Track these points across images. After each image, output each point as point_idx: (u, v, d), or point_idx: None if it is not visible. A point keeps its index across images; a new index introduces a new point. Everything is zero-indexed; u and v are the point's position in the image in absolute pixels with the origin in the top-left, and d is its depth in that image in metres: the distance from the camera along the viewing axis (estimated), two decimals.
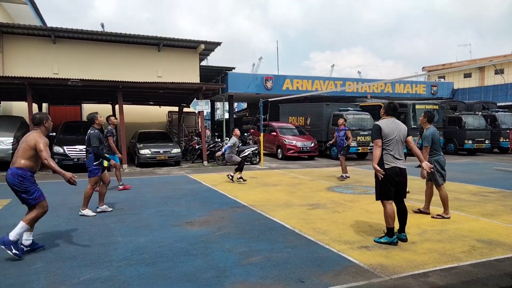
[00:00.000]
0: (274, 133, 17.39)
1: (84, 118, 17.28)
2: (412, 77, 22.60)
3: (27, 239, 4.41)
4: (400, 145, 4.73)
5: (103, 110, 11.28)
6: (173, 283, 3.58)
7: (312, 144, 16.58)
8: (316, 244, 4.74)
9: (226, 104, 26.05)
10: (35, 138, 4.33)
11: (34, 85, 12.67)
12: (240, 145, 14.77)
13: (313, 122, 18.45)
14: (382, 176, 4.57)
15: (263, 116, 15.30)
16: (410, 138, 4.93)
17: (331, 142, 12.35)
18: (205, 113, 19.59)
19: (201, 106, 14.42)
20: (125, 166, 13.03)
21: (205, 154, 14.65)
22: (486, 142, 18.81)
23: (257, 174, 11.61)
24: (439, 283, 3.60)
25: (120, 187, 8.82)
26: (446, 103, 20.82)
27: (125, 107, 14.47)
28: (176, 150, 14.06)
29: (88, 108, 17.47)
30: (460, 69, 35.86)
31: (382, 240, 4.73)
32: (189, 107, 15.78)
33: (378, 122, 4.80)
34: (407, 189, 5.03)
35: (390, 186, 4.62)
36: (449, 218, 5.98)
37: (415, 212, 6.40)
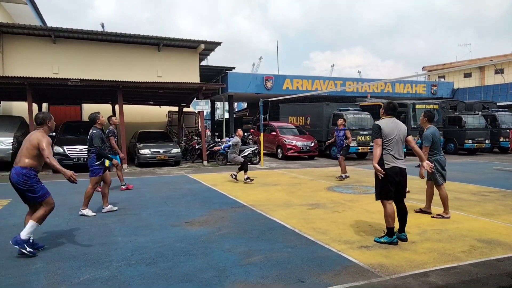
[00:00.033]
0: (274, 133, 17.38)
1: (84, 118, 17.31)
2: (412, 77, 22.62)
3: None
4: (400, 144, 4.73)
5: (103, 110, 11.27)
6: (173, 283, 3.58)
7: (312, 144, 16.58)
8: (316, 244, 4.74)
9: (226, 104, 26.05)
10: (38, 137, 4.37)
11: (34, 85, 12.67)
12: (240, 144, 14.74)
13: (313, 122, 18.45)
14: (382, 176, 4.57)
15: (263, 116, 15.29)
16: (410, 138, 4.93)
17: (330, 141, 12.36)
18: (205, 113, 19.60)
19: (201, 106, 14.42)
20: (125, 166, 13.03)
21: (205, 154, 14.65)
22: (486, 141, 18.81)
23: (257, 174, 11.61)
24: (439, 282, 3.60)
25: (123, 187, 8.81)
26: (446, 103, 20.82)
27: (125, 107, 14.48)
28: (176, 150, 14.06)
29: (88, 108, 17.48)
30: (460, 68, 35.85)
31: (382, 240, 4.73)
32: (189, 107, 15.78)
33: (378, 122, 4.81)
34: (407, 189, 5.03)
35: (390, 186, 4.62)
36: (449, 217, 5.98)
37: (417, 212, 6.40)
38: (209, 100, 15.40)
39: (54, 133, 12.52)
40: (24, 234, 4.29)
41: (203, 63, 22.15)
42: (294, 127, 18.51)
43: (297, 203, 7.26)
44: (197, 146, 15.51)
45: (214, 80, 22.66)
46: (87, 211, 6.28)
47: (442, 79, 36.10)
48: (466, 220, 5.92)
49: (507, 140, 19.19)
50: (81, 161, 12.04)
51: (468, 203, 7.21)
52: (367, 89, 24.36)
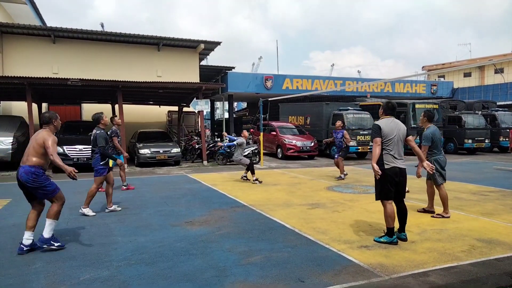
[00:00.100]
0: (274, 133, 17.38)
1: (84, 118, 17.32)
2: (412, 77, 22.67)
3: (27, 239, 4.42)
4: (400, 144, 4.73)
5: (102, 110, 11.24)
6: (173, 283, 3.57)
7: (312, 144, 16.58)
8: (316, 243, 4.74)
9: (226, 104, 26.04)
10: (44, 136, 4.45)
11: (34, 85, 12.66)
12: (245, 146, 14.73)
13: (313, 122, 18.46)
14: (382, 176, 4.57)
15: (262, 116, 15.29)
16: (410, 138, 4.93)
17: (327, 140, 12.39)
18: (204, 113, 19.57)
19: (200, 105, 14.41)
20: (125, 165, 13.03)
21: (204, 154, 14.65)
22: (486, 141, 18.81)
23: (257, 174, 11.56)
24: (439, 282, 3.60)
25: (124, 187, 8.81)
26: (446, 103, 20.82)
27: (125, 106, 14.48)
28: (176, 150, 14.06)
29: (88, 108, 17.48)
30: (460, 68, 35.87)
31: (382, 239, 4.73)
32: (189, 107, 15.78)
33: (378, 122, 4.81)
34: (407, 189, 5.03)
35: (390, 186, 4.62)
36: (449, 217, 5.98)
37: (419, 211, 6.40)
38: (208, 100, 15.40)
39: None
40: (46, 233, 4.44)
41: (203, 62, 22.15)
42: (294, 126, 18.50)
43: (297, 203, 7.26)
44: (197, 146, 15.51)
45: (214, 80, 22.66)
46: (88, 211, 6.28)
47: (442, 79, 36.13)
48: (466, 220, 5.92)
49: (507, 139, 19.19)
50: (81, 161, 12.04)
51: (468, 202, 7.21)
52: (367, 88, 24.36)
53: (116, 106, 15.18)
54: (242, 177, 10.14)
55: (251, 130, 20.37)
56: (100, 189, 6.80)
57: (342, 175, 10.38)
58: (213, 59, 49.37)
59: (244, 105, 42.51)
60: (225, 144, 10.52)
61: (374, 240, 4.80)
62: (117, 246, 4.66)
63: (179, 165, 14.08)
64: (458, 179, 10.01)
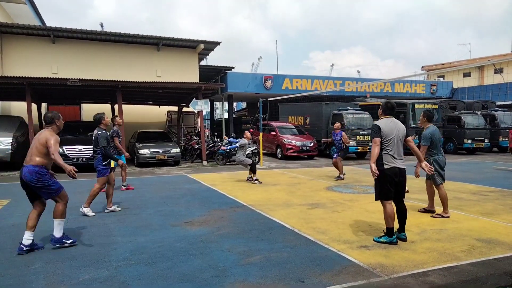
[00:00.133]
0: (274, 133, 17.38)
1: (84, 118, 17.31)
2: (411, 77, 22.69)
3: (27, 239, 4.41)
4: (400, 144, 4.73)
5: (102, 110, 11.25)
6: (173, 283, 3.57)
7: (312, 144, 16.58)
8: (316, 243, 4.74)
9: (226, 104, 26.04)
10: (47, 135, 4.49)
11: (33, 85, 12.65)
12: (247, 147, 14.72)
13: (312, 122, 18.46)
14: (381, 176, 4.58)
15: (262, 116, 15.29)
16: (409, 138, 4.94)
17: (325, 140, 12.39)
18: (204, 113, 19.59)
19: (200, 105, 14.41)
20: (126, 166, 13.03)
21: (204, 154, 14.65)
22: (486, 141, 18.83)
23: (257, 174, 11.59)
24: (439, 282, 3.60)
25: (124, 187, 8.80)
26: (445, 103, 20.83)
27: (125, 107, 14.47)
28: (176, 150, 14.05)
29: (87, 108, 17.47)
30: (460, 68, 35.89)
31: (381, 239, 4.73)
32: (189, 107, 15.77)
33: (377, 122, 4.80)
34: (406, 189, 5.03)
35: (390, 186, 4.62)
36: (448, 217, 5.98)
37: (420, 211, 6.40)
38: (208, 100, 15.40)
39: None
40: (57, 233, 4.55)
41: (203, 62, 22.15)
42: (293, 126, 18.50)
43: (297, 203, 7.26)
44: (196, 146, 15.50)
45: (214, 80, 22.66)
46: (88, 210, 6.27)
47: (442, 79, 36.15)
48: (466, 220, 5.92)
49: (506, 139, 19.20)
50: (80, 161, 12.03)
51: (467, 202, 7.22)
52: (367, 88, 24.38)
53: (116, 106, 15.18)
54: (248, 179, 10.05)
55: (251, 130, 20.37)
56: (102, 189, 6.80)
57: (342, 175, 10.38)
58: (213, 59, 49.53)
59: (243, 105, 42.52)
60: (228, 148, 10.44)
61: (374, 240, 4.80)
62: (117, 246, 4.66)
63: (179, 165, 14.08)
64: (458, 179, 10.02)
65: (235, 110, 39.43)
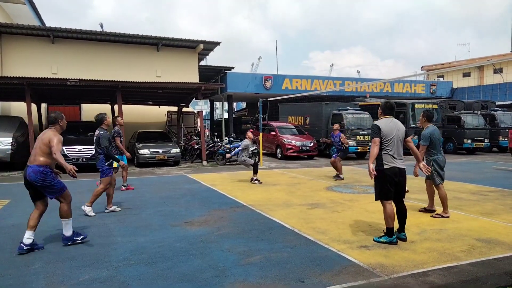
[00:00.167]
0: (274, 133, 17.38)
1: (83, 118, 17.31)
2: (411, 77, 22.68)
3: (28, 238, 4.43)
4: (400, 144, 4.73)
5: (102, 110, 11.26)
6: (173, 283, 3.57)
7: (312, 144, 16.58)
8: (316, 243, 4.74)
9: (225, 104, 26.04)
10: (50, 135, 4.54)
11: (33, 85, 12.65)
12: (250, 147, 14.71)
13: (312, 122, 18.46)
14: (375, 177, 4.60)
15: (262, 116, 15.29)
16: (409, 138, 4.94)
17: (323, 140, 12.39)
18: (204, 113, 19.60)
19: (200, 106, 14.41)
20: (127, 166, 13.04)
21: (204, 154, 14.64)
22: (485, 141, 18.83)
23: (257, 174, 11.59)
24: (439, 282, 3.60)
25: (124, 187, 8.80)
26: (445, 102, 20.82)
27: (124, 107, 14.47)
28: (175, 150, 14.05)
29: (87, 108, 17.48)
30: (459, 68, 35.90)
31: (381, 239, 4.73)
32: (188, 107, 15.77)
33: (377, 122, 4.80)
34: (406, 189, 5.03)
35: (390, 186, 4.63)
36: (448, 217, 5.98)
37: (421, 211, 6.41)
38: (208, 100, 15.40)
39: None
40: (67, 232, 4.68)
41: (202, 63, 22.15)
42: (293, 127, 18.51)
43: (297, 203, 7.26)
44: (196, 146, 15.50)
45: (213, 80, 22.66)
46: (90, 210, 6.27)
47: (441, 79, 36.16)
48: (466, 220, 5.92)
49: (506, 139, 19.21)
50: (80, 161, 12.03)
51: (467, 202, 7.22)
52: (366, 88, 24.38)
53: (116, 107, 15.18)
54: (252, 182, 9.87)
55: (251, 130, 20.38)
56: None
57: (341, 175, 10.38)
58: (213, 59, 49.59)
59: (243, 105, 42.52)
60: (232, 153, 10.30)
61: (374, 240, 4.80)
62: (117, 247, 4.66)
63: (179, 165, 14.08)
64: (458, 179, 10.02)
65: (235, 110, 39.44)
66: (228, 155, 10.03)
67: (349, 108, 17.41)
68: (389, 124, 4.72)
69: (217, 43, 18.76)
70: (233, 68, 22.07)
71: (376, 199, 4.79)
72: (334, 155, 10.78)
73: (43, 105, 16.51)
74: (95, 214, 6.31)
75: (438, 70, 38.49)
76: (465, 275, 3.75)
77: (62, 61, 16.59)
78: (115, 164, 6.65)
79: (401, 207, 4.79)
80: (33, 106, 13.98)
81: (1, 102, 16.32)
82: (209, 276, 3.71)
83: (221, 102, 27.66)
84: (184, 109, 18.05)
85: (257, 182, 9.70)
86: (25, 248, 4.37)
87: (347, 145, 10.73)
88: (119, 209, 6.68)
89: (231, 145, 14.40)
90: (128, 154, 8.67)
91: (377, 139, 4.63)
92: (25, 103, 12.66)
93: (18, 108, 15.50)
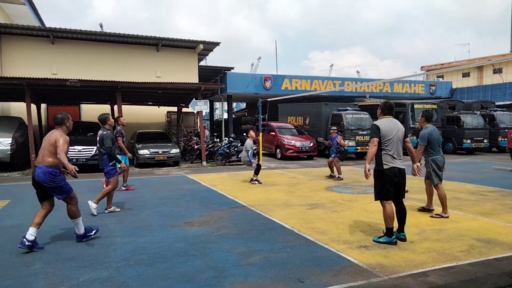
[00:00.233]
0: (273, 133, 17.38)
1: (83, 119, 17.31)
2: (410, 77, 22.69)
3: (31, 234, 4.46)
4: (399, 144, 4.73)
5: (102, 110, 11.24)
6: (172, 284, 3.57)
7: (311, 144, 16.59)
8: (315, 244, 4.75)
9: (225, 104, 26.04)
10: (56, 136, 4.59)
11: (33, 85, 12.65)
12: (239, 145, 14.77)
13: (312, 122, 18.47)
14: (375, 177, 4.62)
15: (262, 116, 15.30)
16: (407, 139, 4.94)
17: (321, 140, 12.41)
18: (204, 113, 19.59)
19: (200, 106, 14.41)
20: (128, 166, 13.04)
21: (204, 154, 14.64)
22: (485, 141, 18.84)
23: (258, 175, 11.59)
24: (438, 282, 3.61)
25: (123, 188, 8.80)
26: (444, 103, 20.84)
27: (124, 107, 14.46)
28: (175, 150, 14.05)
29: (87, 109, 17.48)
30: (459, 68, 35.92)
31: (381, 239, 4.74)
32: (188, 107, 15.77)
33: (377, 122, 4.81)
34: (406, 188, 5.04)
35: (389, 187, 4.63)
36: (447, 217, 5.99)
37: (419, 210, 6.43)
38: (208, 100, 15.40)
39: None
40: (79, 229, 4.82)
41: (202, 63, 22.15)
42: (293, 127, 18.52)
43: (296, 203, 7.26)
44: (196, 147, 15.50)
45: (213, 80, 22.66)
46: (94, 207, 6.29)
47: (441, 79, 36.17)
48: (465, 220, 5.93)
49: (505, 139, 19.22)
50: (80, 161, 12.02)
51: (466, 202, 7.23)
52: (366, 89, 24.38)
53: (115, 107, 15.17)
54: (252, 182, 9.86)
55: (250, 130, 20.38)
56: (104, 185, 6.81)
57: (339, 176, 10.39)
58: (212, 60, 49.58)
59: (243, 105, 42.51)
60: (252, 160, 9.98)
61: (373, 240, 4.80)
62: (116, 247, 4.66)
63: (178, 166, 14.08)
64: (457, 179, 10.03)
65: (235, 110, 39.42)
66: (254, 165, 9.66)
67: (348, 108, 17.42)
68: (389, 124, 4.73)
69: (217, 44, 18.77)
70: (232, 68, 22.08)
71: (376, 199, 4.79)
72: (332, 155, 10.80)
73: (43, 106, 16.51)
74: (96, 215, 6.31)
75: (437, 70, 38.51)
76: (464, 275, 3.76)
77: (62, 62, 16.59)
78: (118, 166, 6.68)
79: (400, 207, 4.79)
80: (33, 107, 13.98)
81: (1, 103, 16.30)
82: (209, 277, 3.72)
83: (220, 103, 27.66)
84: (184, 110, 18.06)
85: (256, 182, 9.71)
86: (26, 243, 4.40)
87: (345, 147, 10.77)
88: (118, 209, 6.69)
89: (237, 148, 14.37)
90: (129, 154, 8.69)
91: (375, 140, 4.63)
92: (25, 104, 12.66)
93: (17, 108, 15.49)
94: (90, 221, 5.94)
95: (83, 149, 12.24)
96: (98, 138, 6.57)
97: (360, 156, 17.22)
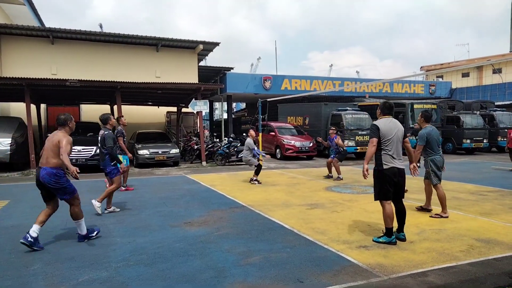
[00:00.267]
0: (273, 133, 17.39)
1: (83, 119, 17.31)
2: (410, 77, 22.69)
3: (34, 231, 4.49)
4: (399, 144, 4.74)
5: (101, 110, 11.24)
6: (172, 284, 3.57)
7: (311, 144, 16.59)
8: (315, 244, 4.75)
9: (225, 104, 26.03)
10: (60, 136, 4.61)
11: (32, 85, 12.65)
12: (239, 145, 14.77)
13: (311, 122, 18.47)
14: (366, 178, 4.63)
15: (261, 116, 15.30)
16: (406, 139, 4.95)
17: (320, 139, 12.43)
18: (203, 114, 19.59)
19: (199, 106, 14.41)
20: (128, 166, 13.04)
21: (203, 155, 14.64)
22: (484, 141, 18.85)
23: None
24: (438, 282, 3.61)
25: (123, 188, 8.80)
26: (444, 103, 20.85)
27: (124, 107, 14.46)
28: (175, 151, 14.05)
29: (86, 109, 17.48)
30: (458, 68, 35.96)
31: (380, 239, 4.74)
32: (188, 108, 15.77)
33: (376, 122, 4.81)
34: (405, 188, 5.04)
35: (389, 187, 4.63)
36: (447, 217, 5.99)
37: (418, 209, 6.44)
38: (207, 101, 15.39)
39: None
40: (82, 230, 4.85)
41: (202, 63, 22.15)
42: (292, 127, 18.52)
43: (296, 203, 7.26)
44: (195, 147, 15.49)
45: (213, 81, 22.67)
46: (99, 205, 6.31)
47: (440, 79, 36.19)
48: (465, 220, 5.93)
49: (505, 139, 19.22)
50: (79, 161, 12.01)
51: (466, 202, 7.23)
52: (366, 89, 24.39)
53: (115, 107, 15.17)
54: (252, 183, 9.84)
55: (250, 130, 20.37)
56: (107, 185, 6.82)
57: (340, 176, 10.39)
58: (212, 60, 49.58)
59: (243, 105, 42.50)
60: (256, 151, 10.07)
61: (373, 240, 4.80)
62: (116, 247, 4.66)
63: (178, 166, 14.07)
64: (457, 179, 10.03)
65: (234, 110, 39.42)
66: (261, 162, 9.65)
67: (348, 108, 17.43)
68: (388, 124, 4.73)
69: (217, 44, 18.78)
70: (232, 68, 22.09)
71: (375, 199, 4.80)
72: (332, 156, 10.81)
73: (43, 106, 16.51)
74: (101, 213, 6.32)
75: (437, 70, 38.54)
76: (464, 275, 3.76)
77: (62, 62, 16.58)
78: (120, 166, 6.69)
79: (400, 207, 4.80)
80: (32, 107, 13.98)
81: (1, 103, 16.30)
82: (209, 277, 3.72)
83: (220, 103, 27.64)
84: (184, 110, 18.06)
85: (256, 182, 9.71)
86: (29, 239, 4.42)
87: (343, 147, 10.79)
88: (118, 209, 6.69)
89: (236, 148, 14.35)
90: (130, 155, 8.70)
91: (374, 140, 4.64)
92: (25, 104, 12.66)
93: (17, 108, 15.48)
94: (90, 221, 5.94)
95: (82, 149, 12.24)
96: (99, 138, 6.59)
97: (359, 156, 17.20)
